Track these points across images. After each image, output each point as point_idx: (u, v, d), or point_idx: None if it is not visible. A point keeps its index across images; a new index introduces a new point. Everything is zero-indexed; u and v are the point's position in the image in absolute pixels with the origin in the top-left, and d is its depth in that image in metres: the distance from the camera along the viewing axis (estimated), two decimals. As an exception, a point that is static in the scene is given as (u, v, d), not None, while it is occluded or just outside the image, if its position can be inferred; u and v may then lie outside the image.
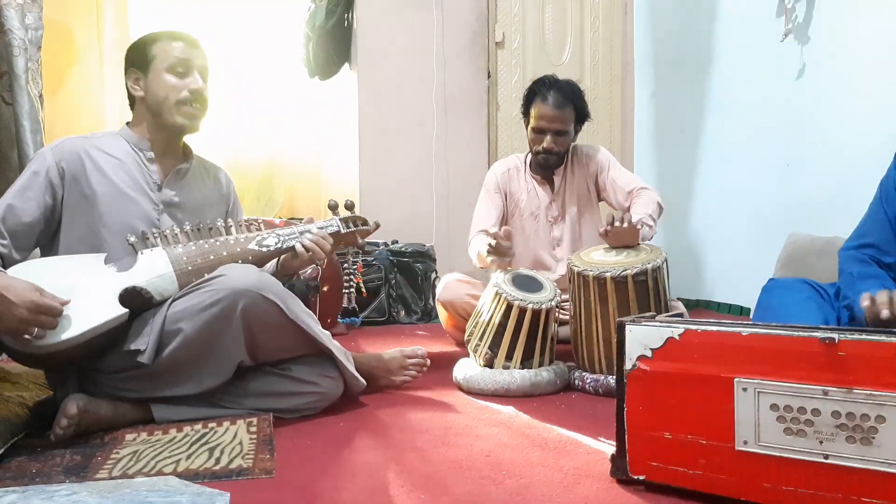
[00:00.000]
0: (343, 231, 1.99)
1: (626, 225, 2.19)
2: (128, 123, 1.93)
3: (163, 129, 1.87)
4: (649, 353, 1.27)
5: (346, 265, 2.06)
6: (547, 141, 2.61)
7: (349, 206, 2.06)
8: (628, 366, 1.30)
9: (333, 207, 2.04)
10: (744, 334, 1.20)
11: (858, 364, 1.10)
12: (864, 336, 1.11)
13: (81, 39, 4.05)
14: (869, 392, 1.08)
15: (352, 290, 2.03)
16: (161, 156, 1.89)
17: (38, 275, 1.56)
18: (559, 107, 2.59)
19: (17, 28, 2.64)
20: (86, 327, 1.56)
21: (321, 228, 1.94)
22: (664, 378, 1.27)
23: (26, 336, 1.49)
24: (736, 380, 1.19)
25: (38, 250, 1.81)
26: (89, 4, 3.99)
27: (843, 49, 2.92)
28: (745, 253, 3.50)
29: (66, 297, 1.54)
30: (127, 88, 1.90)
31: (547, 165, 2.69)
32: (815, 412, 1.13)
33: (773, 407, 1.16)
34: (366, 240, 2.11)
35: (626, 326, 1.31)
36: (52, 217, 1.77)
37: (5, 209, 1.72)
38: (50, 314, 1.50)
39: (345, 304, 2.01)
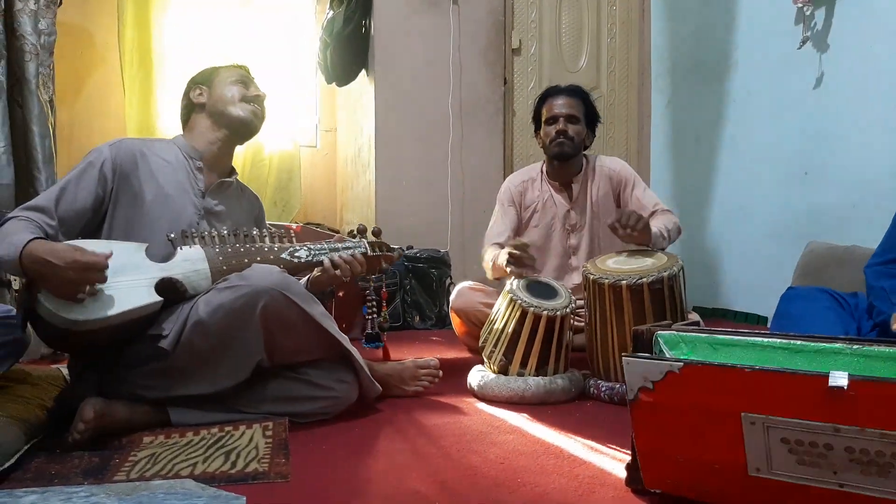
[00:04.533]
0: (370, 254, 2.04)
1: (634, 223, 2.20)
2: (182, 135, 2.02)
3: (224, 130, 1.97)
4: (650, 386, 1.23)
5: (368, 292, 2.08)
6: (561, 122, 2.64)
7: (376, 234, 2.14)
8: (630, 396, 1.26)
9: (362, 232, 2.11)
10: (747, 371, 1.14)
11: (870, 404, 1.03)
12: (875, 377, 1.06)
13: (101, 43, 4.09)
14: (883, 432, 1.02)
15: (374, 314, 2.05)
16: (209, 167, 1.98)
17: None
18: (569, 96, 2.68)
19: (29, 34, 2.68)
20: (121, 309, 1.60)
21: (350, 248, 2.00)
22: (668, 409, 1.23)
23: (80, 296, 1.54)
24: (743, 414, 1.14)
25: None
26: (110, 8, 4.03)
27: (861, 57, 2.90)
28: (763, 262, 3.48)
29: (110, 276, 1.59)
30: (185, 103, 2.02)
31: (562, 153, 2.64)
32: (828, 447, 1.07)
33: (784, 440, 1.11)
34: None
35: (624, 359, 1.27)
36: (100, 208, 1.84)
37: (59, 192, 1.79)
38: (96, 269, 1.56)
39: (369, 330, 2.03)
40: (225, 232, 1.88)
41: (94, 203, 1.82)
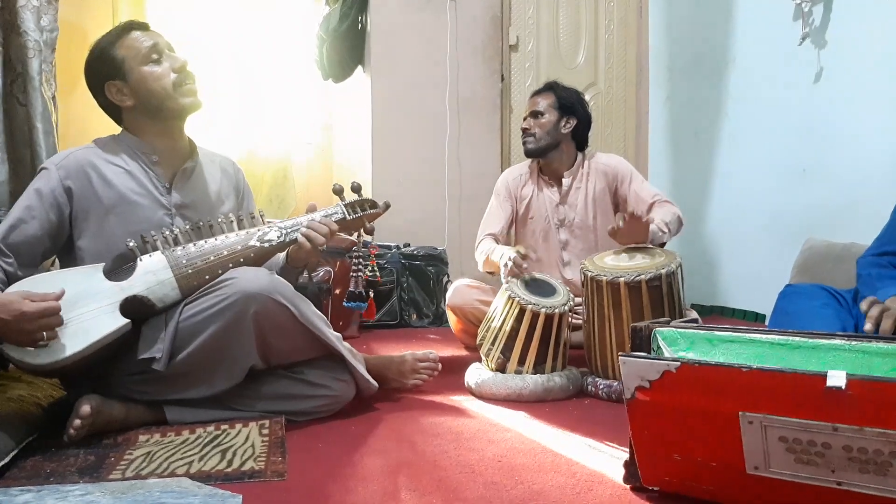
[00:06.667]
0: (349, 217, 1.88)
1: (636, 219, 2.20)
2: (124, 131, 1.89)
3: (167, 122, 1.84)
4: (647, 385, 1.22)
5: (355, 249, 1.91)
6: (525, 122, 2.74)
7: (356, 189, 1.92)
8: (627, 395, 1.25)
9: (339, 192, 1.93)
10: (744, 370, 1.12)
11: (868, 403, 1.02)
12: (873, 377, 1.05)
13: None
14: (881, 431, 1.02)
15: (360, 274, 1.85)
16: (166, 157, 1.86)
17: (37, 290, 1.54)
18: (535, 94, 2.77)
19: (32, 30, 2.66)
20: (88, 341, 1.56)
21: (325, 217, 1.87)
22: (665, 408, 1.22)
23: (41, 343, 1.50)
24: (741, 413, 1.13)
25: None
26: (105, 6, 4.02)
27: (860, 53, 2.89)
28: (761, 259, 3.47)
29: (68, 311, 1.53)
30: (107, 105, 1.85)
31: (527, 151, 2.74)
32: (826, 445, 1.07)
33: (782, 439, 1.10)
34: (377, 242, 2.06)
35: (621, 358, 1.25)
36: (58, 233, 1.76)
37: (8, 228, 1.71)
38: (47, 315, 1.49)
39: (351, 288, 1.83)
40: (187, 227, 1.77)
41: (48, 231, 1.73)
